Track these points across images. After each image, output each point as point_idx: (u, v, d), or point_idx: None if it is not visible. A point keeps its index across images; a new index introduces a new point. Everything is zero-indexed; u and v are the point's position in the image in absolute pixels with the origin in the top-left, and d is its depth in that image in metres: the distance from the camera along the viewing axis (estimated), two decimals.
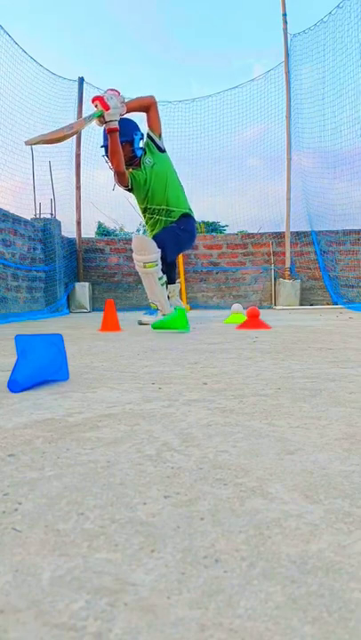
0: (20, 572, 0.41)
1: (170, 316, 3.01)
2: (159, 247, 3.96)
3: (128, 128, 4.00)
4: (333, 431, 0.81)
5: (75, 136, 8.05)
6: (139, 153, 4.09)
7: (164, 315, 4.05)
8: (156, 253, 3.97)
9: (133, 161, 4.10)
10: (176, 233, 4.22)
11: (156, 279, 4.04)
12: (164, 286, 4.14)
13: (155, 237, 4.12)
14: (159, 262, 4.03)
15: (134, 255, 3.97)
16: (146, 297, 8.18)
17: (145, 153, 4.15)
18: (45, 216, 6.96)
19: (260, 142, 8.52)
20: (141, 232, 12.34)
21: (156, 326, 3.06)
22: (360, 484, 0.58)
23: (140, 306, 8.18)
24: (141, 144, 4.12)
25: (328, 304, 7.52)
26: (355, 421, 0.87)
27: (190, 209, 4.33)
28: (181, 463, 0.67)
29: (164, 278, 4.14)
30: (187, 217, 4.28)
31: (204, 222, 12.92)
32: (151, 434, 0.81)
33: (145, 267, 3.96)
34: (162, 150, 4.20)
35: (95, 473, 0.64)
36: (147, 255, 3.96)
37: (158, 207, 4.30)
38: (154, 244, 3.97)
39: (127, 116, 3.95)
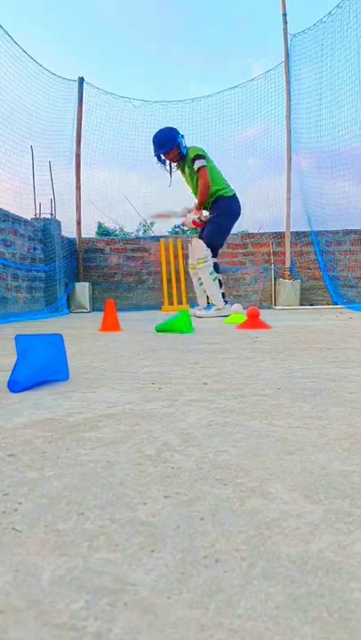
0: (20, 571, 0.41)
1: (173, 318, 3.02)
2: (205, 242, 4.90)
3: (171, 136, 4.99)
4: (333, 431, 0.81)
5: (74, 136, 8.06)
6: (184, 151, 5.01)
7: (218, 309, 4.90)
8: (206, 251, 4.91)
9: (181, 158, 5.04)
10: (214, 222, 5.01)
11: (209, 273, 4.89)
12: (217, 282, 4.97)
13: (201, 237, 5.03)
14: (209, 259, 4.92)
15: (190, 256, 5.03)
16: (146, 297, 8.20)
17: (185, 158, 5.05)
18: (45, 216, 6.96)
19: (259, 142, 8.52)
20: (141, 232, 12.35)
21: (159, 329, 3.07)
22: (360, 484, 0.58)
23: (140, 306, 8.18)
24: (184, 142, 5.03)
25: (328, 304, 7.52)
26: (355, 421, 0.87)
27: (220, 191, 5.00)
28: (181, 463, 0.67)
29: (215, 275, 4.98)
30: (218, 200, 4.99)
31: None
32: (151, 434, 0.81)
33: (198, 262, 4.92)
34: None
35: (95, 473, 0.64)
36: (197, 254, 4.93)
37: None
38: (203, 245, 4.92)
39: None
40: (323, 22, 6.95)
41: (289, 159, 7.45)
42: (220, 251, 5.34)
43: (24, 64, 6.64)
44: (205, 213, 5.03)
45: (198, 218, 4.99)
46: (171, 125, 5.20)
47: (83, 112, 8.13)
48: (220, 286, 5.05)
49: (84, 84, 8.14)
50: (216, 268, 5.06)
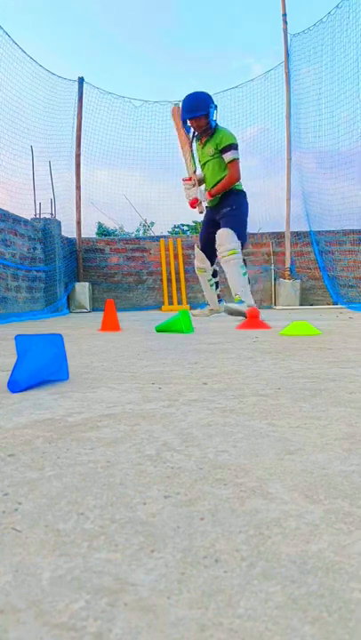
0: (20, 571, 0.41)
1: (173, 318, 3.02)
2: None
3: (204, 103, 4.44)
4: (333, 431, 0.81)
5: (74, 136, 8.06)
6: (213, 124, 4.52)
7: (249, 305, 4.39)
8: (237, 242, 4.43)
9: (208, 131, 4.53)
10: (234, 214, 4.54)
11: (240, 267, 4.44)
12: (246, 277, 4.53)
13: (222, 229, 4.48)
14: (240, 251, 4.46)
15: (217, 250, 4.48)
16: (146, 297, 8.20)
17: (212, 136, 4.51)
18: (45, 216, 6.97)
19: (259, 142, 8.52)
20: (141, 232, 12.33)
21: (159, 329, 3.07)
22: (360, 484, 0.58)
23: (140, 306, 8.18)
24: (215, 115, 4.54)
25: (328, 304, 7.52)
26: (355, 421, 0.87)
27: (237, 186, 4.57)
28: (181, 463, 0.67)
29: (245, 269, 4.52)
30: (233, 193, 4.53)
31: None
32: (151, 434, 0.81)
33: (228, 254, 4.41)
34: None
35: (95, 473, 0.64)
36: (227, 244, 4.42)
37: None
38: (234, 234, 4.42)
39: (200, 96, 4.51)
40: (322, 22, 6.96)
41: (289, 159, 7.45)
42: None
43: (24, 64, 6.64)
44: (202, 188, 4.63)
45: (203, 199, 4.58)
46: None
47: (83, 112, 8.13)
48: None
49: (84, 84, 8.15)
50: (244, 262, 4.61)
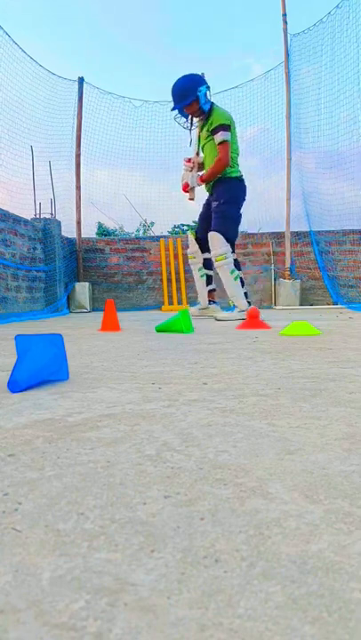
0: (20, 571, 0.41)
1: (173, 318, 3.02)
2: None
3: (192, 88, 4.26)
4: (333, 431, 0.81)
5: (74, 136, 8.06)
6: (206, 107, 4.31)
7: (241, 311, 4.28)
8: (225, 246, 4.29)
9: (203, 114, 4.36)
10: (220, 211, 4.35)
11: (230, 272, 4.29)
12: (238, 281, 4.35)
13: (211, 232, 4.36)
14: (229, 255, 4.31)
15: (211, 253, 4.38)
16: (146, 297, 8.20)
17: (207, 120, 4.33)
18: (45, 216, 6.96)
19: (259, 142, 8.52)
20: (141, 232, 12.33)
21: (159, 329, 3.06)
22: (360, 484, 0.58)
23: (140, 306, 8.18)
24: (208, 95, 4.33)
25: (328, 304, 7.52)
26: (355, 421, 0.87)
27: (228, 169, 4.35)
28: (181, 463, 0.67)
29: (237, 272, 4.35)
30: (222, 181, 4.37)
31: None
32: (151, 434, 0.81)
33: (217, 260, 4.30)
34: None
35: (95, 473, 0.64)
36: (216, 249, 4.31)
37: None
38: (221, 238, 4.28)
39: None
40: (322, 22, 6.96)
41: (289, 159, 7.45)
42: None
43: (24, 64, 6.64)
44: (195, 174, 4.48)
45: (195, 183, 4.46)
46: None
47: (83, 112, 8.13)
48: (242, 285, 4.44)
49: (84, 84, 8.14)
50: (237, 264, 4.43)
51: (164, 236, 8.59)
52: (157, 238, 8.44)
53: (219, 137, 4.22)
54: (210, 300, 4.78)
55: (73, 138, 8.09)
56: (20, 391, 1.21)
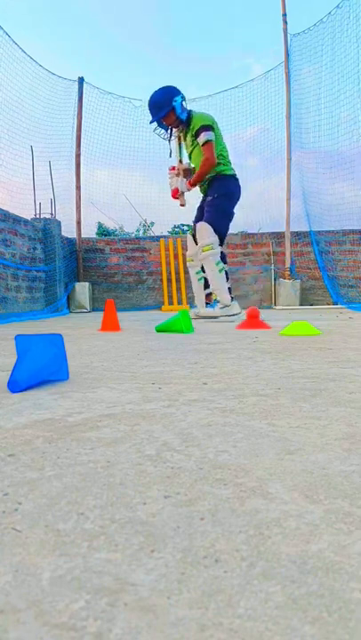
0: (20, 571, 0.41)
1: (173, 318, 3.02)
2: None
3: (166, 99, 4.21)
4: (333, 431, 0.81)
5: (74, 136, 8.06)
6: (183, 116, 4.29)
7: (224, 307, 4.19)
8: (213, 237, 4.20)
9: (182, 123, 4.34)
10: (214, 204, 4.30)
11: (215, 263, 4.19)
12: (223, 274, 4.25)
13: (200, 222, 4.28)
14: (216, 246, 4.22)
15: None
16: (146, 297, 8.20)
17: (188, 127, 4.32)
18: (45, 216, 6.97)
19: (259, 142, 8.53)
20: (141, 232, 12.34)
21: (159, 329, 3.06)
22: (360, 484, 0.58)
23: (140, 306, 8.18)
24: (184, 105, 4.30)
25: (328, 304, 7.52)
26: (355, 421, 0.87)
27: (220, 166, 4.34)
28: (181, 463, 0.67)
29: (222, 265, 4.26)
30: (217, 178, 4.34)
31: None
32: (151, 434, 0.81)
33: (203, 250, 4.19)
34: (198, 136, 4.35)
35: (95, 473, 0.64)
36: (203, 239, 4.20)
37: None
38: (209, 228, 4.19)
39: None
40: (323, 22, 6.96)
41: (289, 159, 7.45)
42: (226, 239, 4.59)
43: (24, 64, 6.64)
44: (183, 179, 4.46)
45: (184, 189, 4.44)
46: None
47: (83, 112, 8.13)
48: (227, 279, 4.36)
49: (84, 84, 8.14)
50: (223, 258, 4.35)
51: (164, 236, 8.59)
52: (157, 238, 8.44)
53: (202, 138, 4.23)
54: (207, 303, 4.73)
55: (73, 138, 8.10)
56: (20, 391, 1.21)
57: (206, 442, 0.76)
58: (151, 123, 4.40)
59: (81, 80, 8.12)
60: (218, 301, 4.27)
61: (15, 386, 1.21)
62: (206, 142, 4.21)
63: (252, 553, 0.43)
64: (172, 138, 4.49)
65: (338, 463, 0.66)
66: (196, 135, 4.26)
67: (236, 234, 8.26)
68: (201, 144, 4.24)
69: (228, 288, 4.34)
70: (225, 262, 4.39)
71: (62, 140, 7.96)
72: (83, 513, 0.52)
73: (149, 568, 0.41)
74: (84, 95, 8.13)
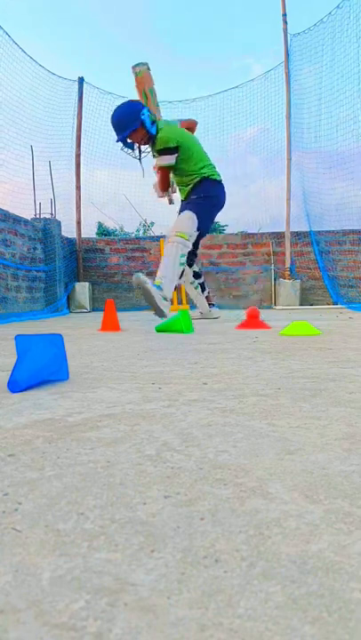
0: (20, 571, 0.41)
1: (173, 318, 3.01)
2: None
3: (133, 115, 3.97)
4: (333, 431, 0.81)
5: (75, 136, 8.06)
6: (153, 131, 4.08)
7: (165, 298, 3.98)
8: (193, 229, 3.95)
9: (151, 139, 4.13)
10: (198, 203, 4.10)
11: (180, 255, 3.94)
12: (181, 269, 4.06)
13: (186, 210, 4.06)
14: (190, 240, 3.95)
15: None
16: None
17: (154, 145, 4.16)
18: (45, 216, 6.96)
19: (259, 142, 8.53)
20: (141, 232, 12.33)
21: (159, 329, 3.06)
22: (360, 484, 0.58)
23: (140, 306, 8.17)
24: (152, 118, 4.08)
25: (328, 304, 7.52)
26: (355, 421, 0.87)
27: (206, 170, 4.18)
28: (181, 463, 0.67)
29: (184, 261, 4.02)
30: (204, 181, 4.16)
31: None
32: (151, 434, 0.81)
33: (176, 234, 3.91)
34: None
35: (95, 473, 0.64)
36: (180, 226, 3.95)
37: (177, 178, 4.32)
38: (194, 219, 3.96)
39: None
40: (323, 22, 6.96)
41: (289, 159, 7.45)
42: (202, 242, 4.39)
43: (24, 64, 6.64)
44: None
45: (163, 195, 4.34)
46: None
47: (83, 112, 8.13)
48: (203, 291, 4.37)
49: (84, 84, 8.14)
50: (190, 260, 4.15)
51: (164, 236, 8.58)
52: (157, 238, 8.44)
53: (156, 162, 4.14)
54: (210, 304, 4.72)
55: (73, 138, 8.10)
56: (20, 391, 1.21)
57: (206, 442, 0.76)
58: (117, 142, 4.11)
59: (81, 80, 8.12)
60: (161, 288, 3.96)
61: (15, 386, 1.21)
62: (159, 168, 4.15)
63: (252, 553, 0.43)
64: (144, 156, 4.25)
65: (338, 463, 0.66)
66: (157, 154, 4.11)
67: (236, 234, 8.26)
68: (153, 167, 4.19)
69: (207, 297, 4.31)
70: (190, 266, 4.23)
71: (62, 140, 7.96)
72: (83, 513, 0.52)
73: (149, 568, 0.41)
74: (84, 95, 8.13)
